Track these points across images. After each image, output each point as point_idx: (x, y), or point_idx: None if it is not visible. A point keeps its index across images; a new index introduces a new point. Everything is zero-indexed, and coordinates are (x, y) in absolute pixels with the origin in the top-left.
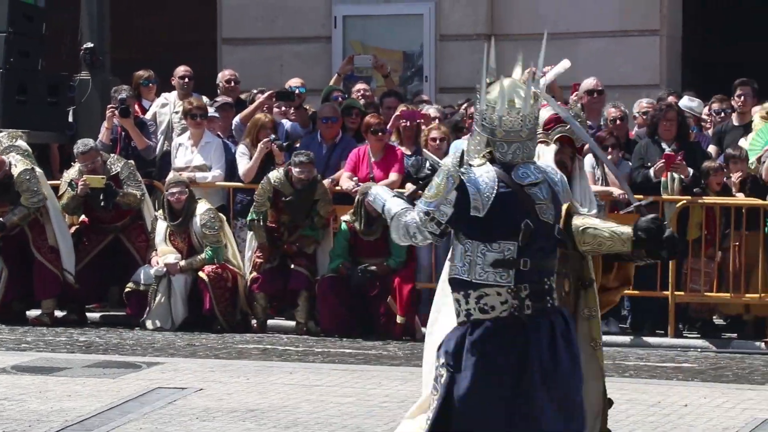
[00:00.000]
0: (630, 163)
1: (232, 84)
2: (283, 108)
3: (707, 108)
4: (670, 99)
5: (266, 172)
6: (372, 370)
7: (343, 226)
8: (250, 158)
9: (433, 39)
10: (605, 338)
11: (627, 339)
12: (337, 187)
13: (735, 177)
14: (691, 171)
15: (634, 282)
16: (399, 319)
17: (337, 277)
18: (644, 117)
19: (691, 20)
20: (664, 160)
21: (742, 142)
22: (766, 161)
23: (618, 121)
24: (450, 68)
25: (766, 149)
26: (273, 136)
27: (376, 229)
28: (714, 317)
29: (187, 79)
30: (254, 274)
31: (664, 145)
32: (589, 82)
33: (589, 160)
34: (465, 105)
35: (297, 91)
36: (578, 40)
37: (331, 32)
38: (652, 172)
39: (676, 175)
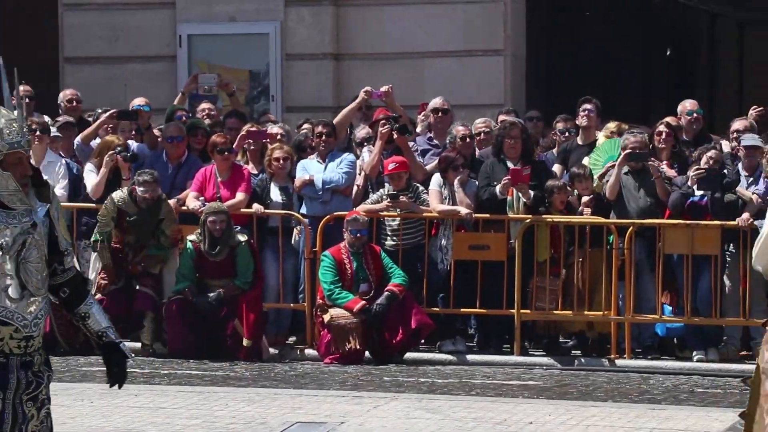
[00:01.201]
0: (476, 183)
1: (74, 103)
2: (123, 130)
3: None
4: (512, 117)
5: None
6: (219, 391)
7: (189, 245)
8: None
9: (279, 58)
10: (450, 357)
11: (473, 357)
12: (183, 207)
13: (585, 199)
14: (532, 193)
15: (481, 300)
16: (245, 342)
17: (184, 299)
18: (479, 137)
19: (534, 40)
20: (510, 177)
21: (586, 161)
22: (609, 179)
23: (467, 139)
24: (297, 87)
25: (606, 167)
26: (118, 147)
27: (222, 249)
28: (560, 335)
29: (27, 99)
30: (98, 295)
31: (509, 164)
32: (435, 102)
33: (436, 179)
34: (306, 126)
35: (140, 109)
36: (424, 59)
37: (176, 51)
38: (498, 189)
39: (521, 194)
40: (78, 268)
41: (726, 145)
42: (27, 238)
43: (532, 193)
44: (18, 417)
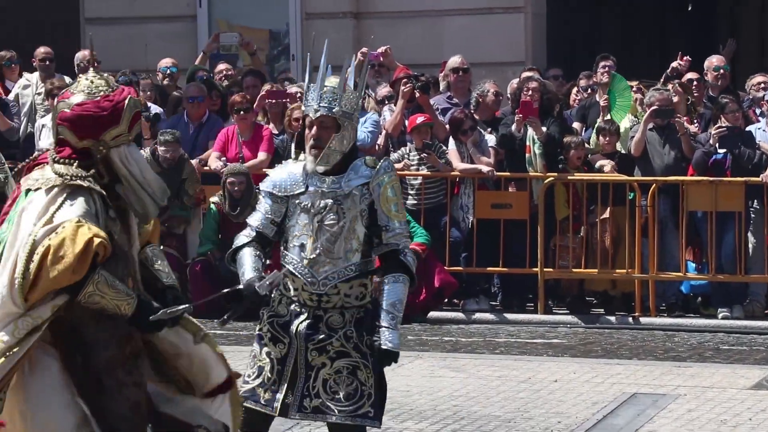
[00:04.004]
0: (493, 137)
1: (93, 64)
2: (144, 90)
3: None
4: (533, 73)
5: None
6: (244, 351)
7: (212, 207)
8: None
9: (299, 17)
10: (477, 315)
11: (497, 316)
12: (206, 167)
13: (604, 163)
14: (544, 129)
15: (503, 259)
16: None
17: (208, 260)
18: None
19: None
20: (520, 111)
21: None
22: (635, 136)
23: (498, 97)
24: (317, 47)
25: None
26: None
27: (243, 210)
28: (583, 293)
29: (47, 62)
30: None
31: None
32: (455, 60)
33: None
34: None
35: (169, 71)
36: (443, 17)
37: (197, 11)
38: (513, 127)
39: (537, 151)
40: (398, 244)
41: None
42: (329, 203)
43: (544, 129)
44: (300, 364)
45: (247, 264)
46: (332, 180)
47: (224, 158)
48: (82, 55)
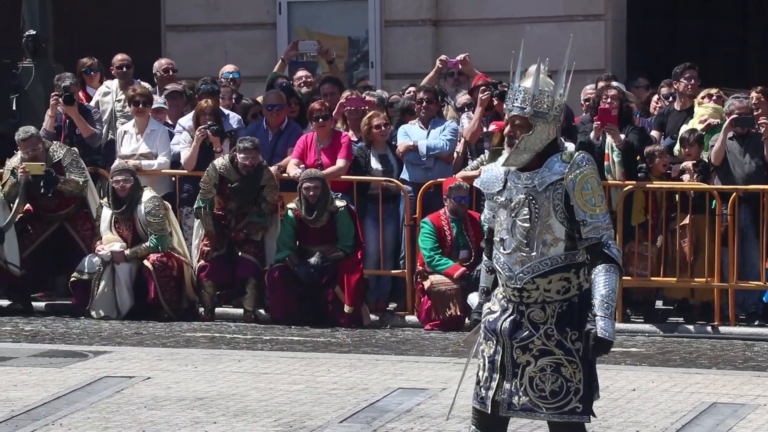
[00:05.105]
0: (572, 145)
1: (170, 73)
2: (223, 97)
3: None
4: (615, 84)
5: (210, 160)
6: (320, 357)
7: (290, 213)
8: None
9: (379, 25)
10: None
11: None
12: (284, 174)
13: (687, 164)
14: (623, 137)
15: None
16: (346, 308)
17: (286, 266)
18: (589, 103)
19: (633, 4)
20: (598, 118)
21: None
22: (715, 145)
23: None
24: (396, 54)
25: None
26: (209, 122)
27: (319, 215)
28: (657, 301)
29: (125, 68)
30: (202, 262)
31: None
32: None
33: None
34: (412, 90)
35: (231, 77)
36: (523, 25)
37: (276, 18)
38: (592, 135)
39: (616, 159)
40: (599, 237)
41: None
42: (522, 198)
43: (622, 136)
44: (507, 361)
45: (480, 284)
46: (527, 176)
47: (303, 165)
48: (158, 64)
